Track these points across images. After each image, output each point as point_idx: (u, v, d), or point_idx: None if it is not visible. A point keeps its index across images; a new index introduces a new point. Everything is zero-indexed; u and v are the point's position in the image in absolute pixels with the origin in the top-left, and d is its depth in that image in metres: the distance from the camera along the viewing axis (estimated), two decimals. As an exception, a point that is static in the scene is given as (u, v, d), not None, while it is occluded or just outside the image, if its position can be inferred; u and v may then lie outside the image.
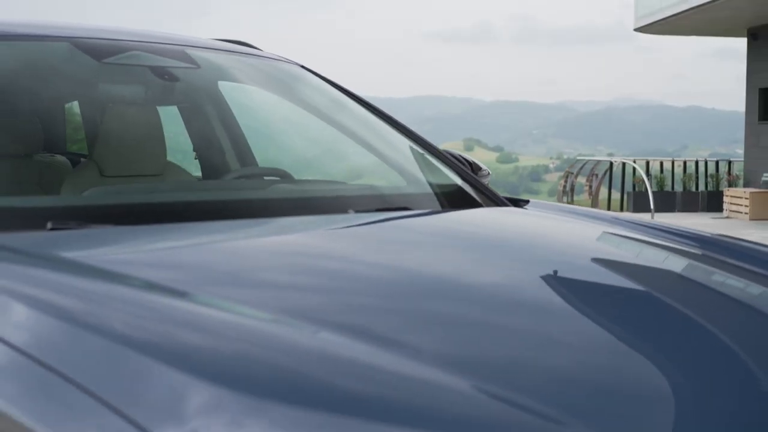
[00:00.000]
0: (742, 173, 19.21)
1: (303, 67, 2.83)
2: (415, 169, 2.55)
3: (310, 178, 2.71)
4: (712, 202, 18.96)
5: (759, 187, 17.67)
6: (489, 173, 2.77)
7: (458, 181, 2.50)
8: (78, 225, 1.67)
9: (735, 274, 1.77)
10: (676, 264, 1.93)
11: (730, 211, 17.12)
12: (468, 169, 2.63)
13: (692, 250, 1.99)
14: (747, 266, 1.79)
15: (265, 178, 2.63)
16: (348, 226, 1.97)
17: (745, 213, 16.44)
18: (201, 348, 1.07)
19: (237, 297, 1.32)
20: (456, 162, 2.60)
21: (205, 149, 2.92)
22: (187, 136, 3.00)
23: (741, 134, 19.03)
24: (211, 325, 1.14)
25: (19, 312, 1.18)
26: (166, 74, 2.50)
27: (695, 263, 1.91)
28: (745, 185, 18.53)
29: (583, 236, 2.12)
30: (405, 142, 2.65)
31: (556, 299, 1.49)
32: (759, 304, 1.65)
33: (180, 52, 2.51)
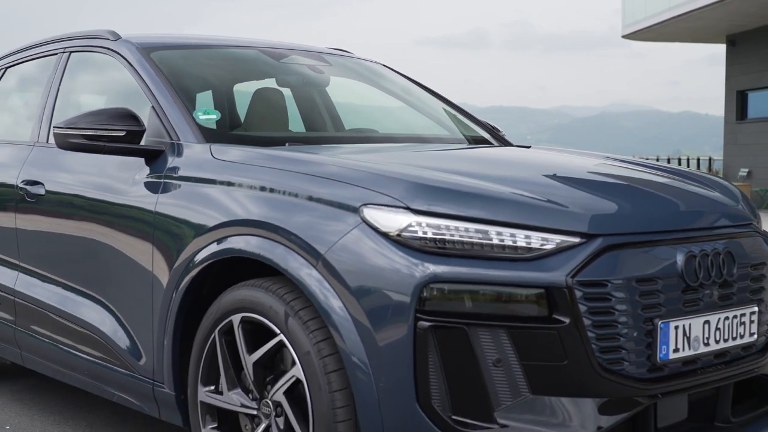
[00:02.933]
0: (721, 169, 20.75)
1: (383, 65, 4.35)
2: (458, 126, 4.07)
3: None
4: (694, 196, 20.52)
5: (736, 181, 19.22)
6: (505, 134, 4.29)
7: (485, 134, 4.05)
8: (295, 147, 3.23)
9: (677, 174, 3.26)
10: (643, 163, 3.45)
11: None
12: (491, 130, 4.18)
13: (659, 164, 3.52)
14: (696, 178, 3.26)
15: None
16: (446, 149, 3.54)
17: (723, 204, 17.97)
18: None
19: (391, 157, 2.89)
20: (486, 124, 4.16)
21: (315, 120, 4.39)
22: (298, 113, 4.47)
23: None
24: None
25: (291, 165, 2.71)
26: (314, 69, 4.03)
27: (657, 164, 3.44)
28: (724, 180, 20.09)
29: (579, 150, 3.71)
30: (451, 112, 4.18)
31: (570, 164, 3.16)
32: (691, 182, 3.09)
33: (317, 55, 4.05)
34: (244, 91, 4.05)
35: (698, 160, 22.07)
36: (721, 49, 20.79)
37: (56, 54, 3.96)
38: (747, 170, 19.29)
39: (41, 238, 3.58)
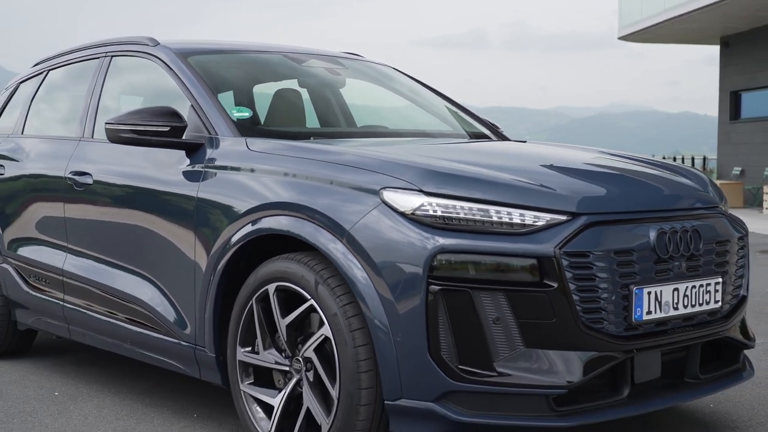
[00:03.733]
0: (715, 168, 21.17)
1: (393, 67, 4.78)
2: (460, 122, 4.50)
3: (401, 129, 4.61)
4: (689, 194, 20.99)
5: (729, 180, 19.66)
6: (503, 130, 4.71)
7: (486, 130, 4.48)
8: (319, 140, 3.64)
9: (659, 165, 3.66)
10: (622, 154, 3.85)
11: (703, 200, 19.10)
12: (491, 127, 4.61)
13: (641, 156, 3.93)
14: (670, 167, 3.67)
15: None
16: (450, 143, 3.96)
17: (716, 202, 18.43)
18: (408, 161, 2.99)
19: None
20: (486, 121, 4.59)
21: (330, 117, 4.82)
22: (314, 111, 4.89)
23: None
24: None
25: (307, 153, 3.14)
26: (332, 72, 4.47)
27: (637, 155, 3.85)
28: (718, 178, 20.52)
29: (568, 144, 4.11)
30: (454, 110, 4.61)
31: (560, 155, 3.53)
32: (666, 170, 3.50)
33: (333, 59, 4.48)
34: (262, 92, 4.47)
35: (692, 159, 22.52)
36: (717, 50, 21.19)
37: (98, 58, 4.39)
38: (740, 169, 19.71)
39: (89, 222, 4.00)
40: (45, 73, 4.89)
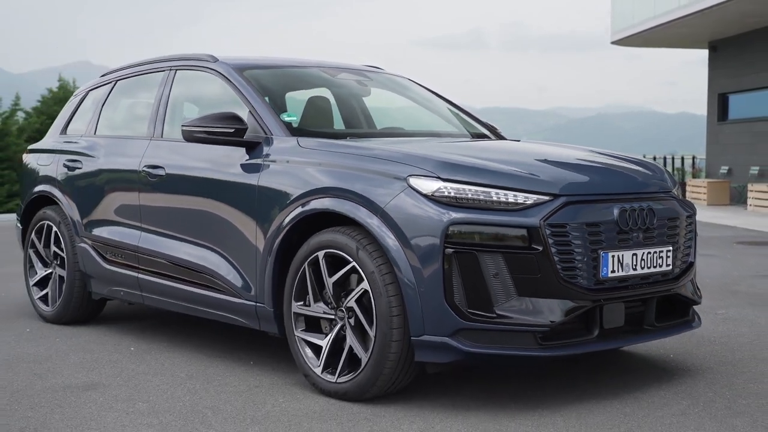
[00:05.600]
0: (704, 168, 22.06)
1: (408, 78, 5.67)
2: (464, 124, 5.38)
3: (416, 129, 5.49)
4: (678, 192, 21.88)
5: (717, 178, 20.56)
6: (501, 131, 5.60)
7: (486, 131, 5.37)
8: (354, 139, 4.51)
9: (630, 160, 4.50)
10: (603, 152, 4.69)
11: (691, 198, 19.96)
12: (491, 128, 5.49)
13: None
14: (634, 161, 4.50)
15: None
16: (458, 141, 4.83)
17: (704, 200, 19.33)
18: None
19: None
20: (487, 123, 5.47)
21: (356, 120, 5.69)
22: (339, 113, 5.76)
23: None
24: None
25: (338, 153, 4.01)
26: (359, 83, 5.35)
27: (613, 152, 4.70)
28: (707, 177, 21.42)
29: (554, 143, 4.96)
30: (460, 114, 5.50)
31: (547, 151, 4.34)
32: (634, 164, 4.35)
33: (359, 71, 5.37)
34: (295, 98, 5.33)
35: (682, 158, 23.47)
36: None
37: (164, 71, 5.26)
38: (727, 168, 20.61)
39: (163, 207, 4.87)
40: (114, 83, 5.77)
